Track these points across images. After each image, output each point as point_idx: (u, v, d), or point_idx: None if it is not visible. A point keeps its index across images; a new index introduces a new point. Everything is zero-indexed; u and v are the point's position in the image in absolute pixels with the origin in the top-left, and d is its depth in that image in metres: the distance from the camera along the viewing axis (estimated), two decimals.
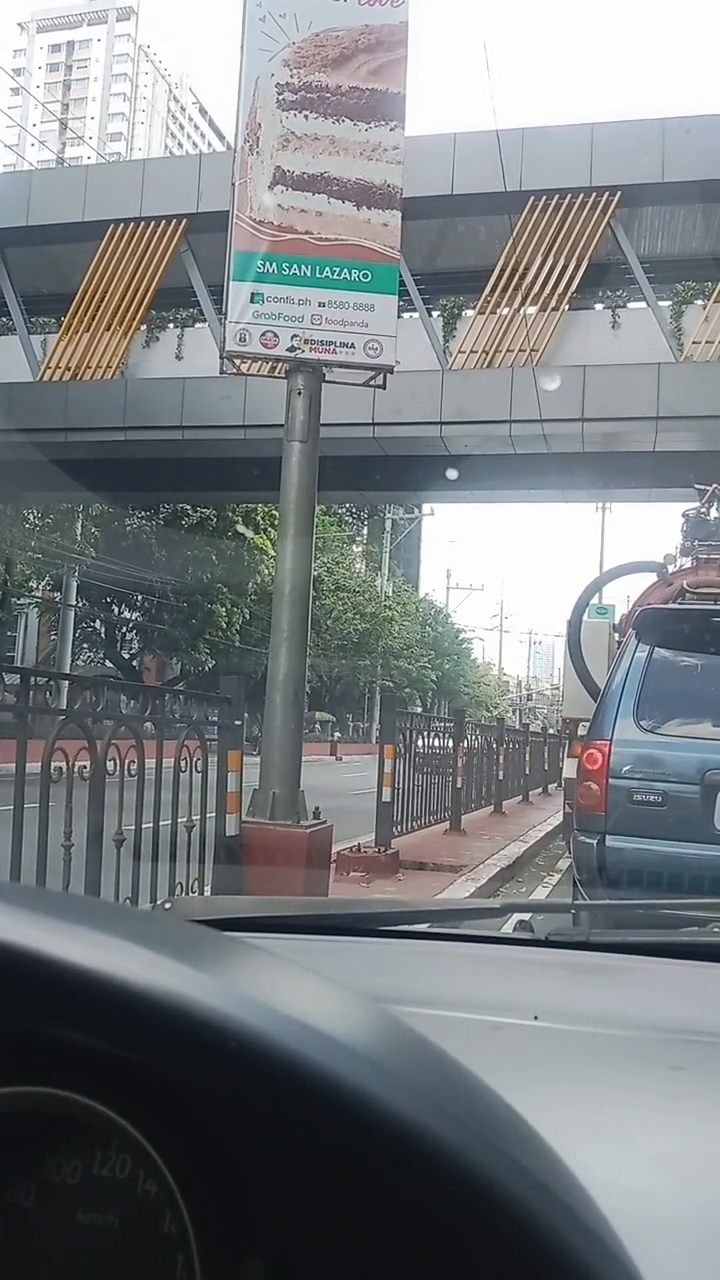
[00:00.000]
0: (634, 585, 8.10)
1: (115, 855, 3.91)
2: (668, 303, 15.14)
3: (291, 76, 6.25)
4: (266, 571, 26.27)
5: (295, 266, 6.17)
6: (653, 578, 7.24)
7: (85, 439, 16.06)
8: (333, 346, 6.17)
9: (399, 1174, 0.37)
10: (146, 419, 15.76)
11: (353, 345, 6.18)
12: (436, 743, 10.61)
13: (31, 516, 27.37)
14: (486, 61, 56.54)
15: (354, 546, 46.61)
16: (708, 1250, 0.53)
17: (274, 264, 6.17)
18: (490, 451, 15.06)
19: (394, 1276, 0.38)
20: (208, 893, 4.62)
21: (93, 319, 16.29)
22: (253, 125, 6.28)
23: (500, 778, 13.07)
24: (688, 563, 7.16)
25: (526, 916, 1.50)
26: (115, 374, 16.29)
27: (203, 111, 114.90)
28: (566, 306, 14.91)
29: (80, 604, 31.05)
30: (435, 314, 15.88)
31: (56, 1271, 0.43)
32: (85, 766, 3.85)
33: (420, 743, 9.79)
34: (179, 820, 4.44)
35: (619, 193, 14.51)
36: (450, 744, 10.75)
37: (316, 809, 6.05)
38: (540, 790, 16.80)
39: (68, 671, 26.02)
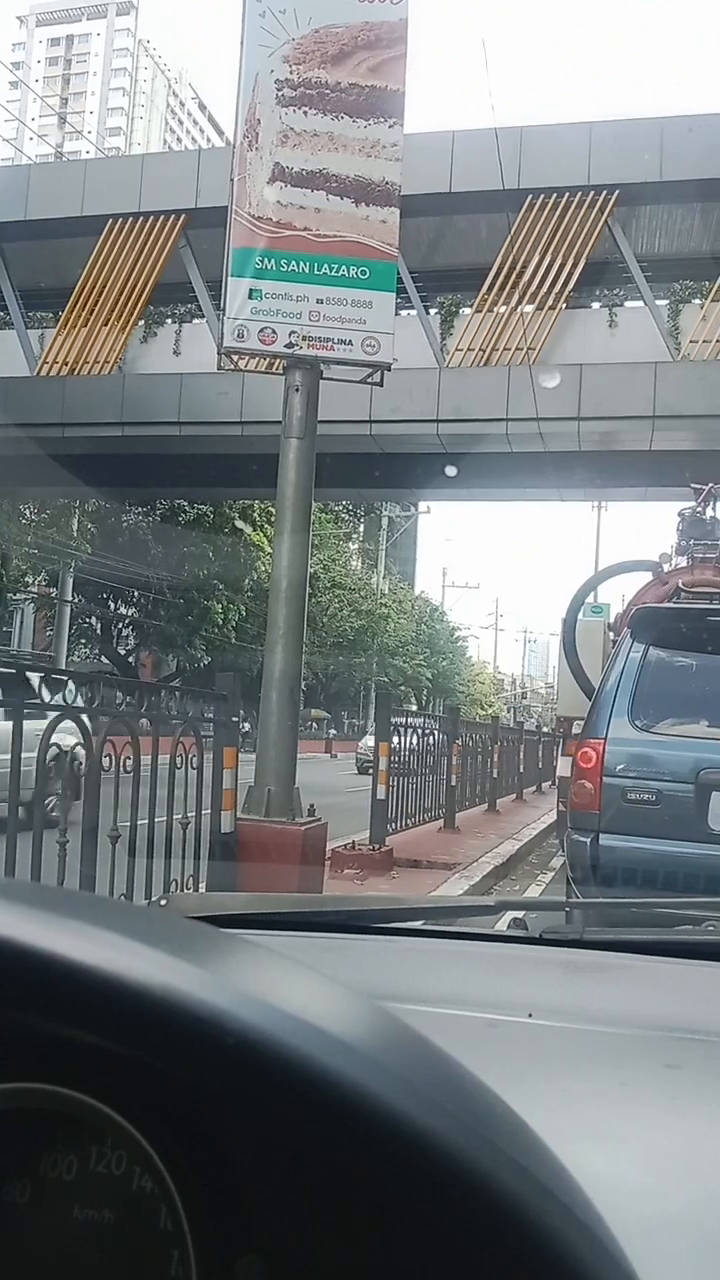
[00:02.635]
0: (629, 584, 8.12)
1: (110, 851, 3.91)
2: (665, 302, 15.16)
3: (291, 73, 6.24)
4: (263, 568, 26.22)
5: (294, 263, 6.16)
6: (648, 576, 7.26)
7: (82, 434, 16.03)
8: (330, 343, 6.17)
9: (395, 1170, 0.37)
10: (144, 414, 15.73)
11: (350, 342, 6.18)
12: (431, 740, 10.61)
13: (28, 511, 27.34)
14: (485, 59, 56.55)
15: (350, 544, 46.54)
16: (703, 1248, 0.53)
17: (272, 260, 6.16)
18: (487, 450, 15.05)
19: (389, 1272, 0.38)
20: (203, 889, 4.61)
21: (90, 314, 16.25)
22: (252, 121, 6.27)
23: (494, 776, 13.08)
24: (683, 561, 7.18)
25: (521, 914, 1.50)
26: (113, 369, 16.26)
27: (202, 107, 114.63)
28: (564, 305, 14.91)
29: (76, 600, 30.99)
30: (433, 312, 15.87)
31: (52, 1267, 0.42)
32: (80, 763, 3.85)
33: (415, 740, 9.79)
34: (174, 817, 4.44)
35: (617, 191, 14.52)
36: (445, 742, 10.75)
37: (311, 806, 6.05)
38: (534, 789, 16.80)
39: (64, 667, 25.95)
